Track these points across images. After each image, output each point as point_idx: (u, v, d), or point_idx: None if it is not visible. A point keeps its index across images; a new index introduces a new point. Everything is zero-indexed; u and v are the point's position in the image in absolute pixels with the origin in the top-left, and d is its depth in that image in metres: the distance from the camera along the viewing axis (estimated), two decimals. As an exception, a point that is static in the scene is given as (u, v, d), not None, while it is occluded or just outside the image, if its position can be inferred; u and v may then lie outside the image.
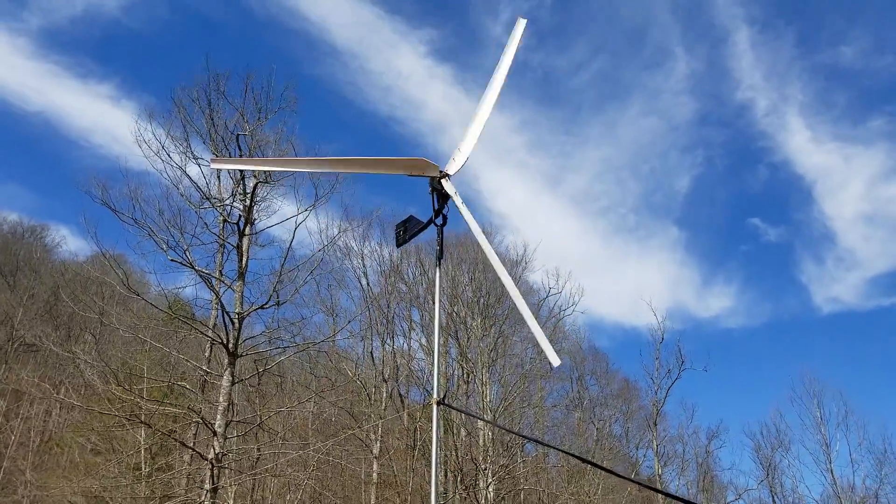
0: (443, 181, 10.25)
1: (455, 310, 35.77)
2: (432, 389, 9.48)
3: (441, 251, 10.42)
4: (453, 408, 24.89)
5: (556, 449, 35.84)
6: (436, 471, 9.17)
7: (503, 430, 31.32)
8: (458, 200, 10.26)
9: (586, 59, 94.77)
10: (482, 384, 34.71)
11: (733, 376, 76.92)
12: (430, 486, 9.63)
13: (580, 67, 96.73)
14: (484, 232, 10.58)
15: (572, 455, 35.18)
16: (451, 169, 10.51)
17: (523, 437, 37.41)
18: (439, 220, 10.27)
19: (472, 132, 11.06)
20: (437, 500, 9.13)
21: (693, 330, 75.79)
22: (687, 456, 54.49)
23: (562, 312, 43.02)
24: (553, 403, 43.53)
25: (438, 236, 10.27)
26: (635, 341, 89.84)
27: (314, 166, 10.40)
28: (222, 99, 22.19)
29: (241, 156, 22.24)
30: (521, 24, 12.17)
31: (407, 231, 10.73)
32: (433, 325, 34.81)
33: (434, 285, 10.20)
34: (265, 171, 21.93)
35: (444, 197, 10.23)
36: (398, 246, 11.49)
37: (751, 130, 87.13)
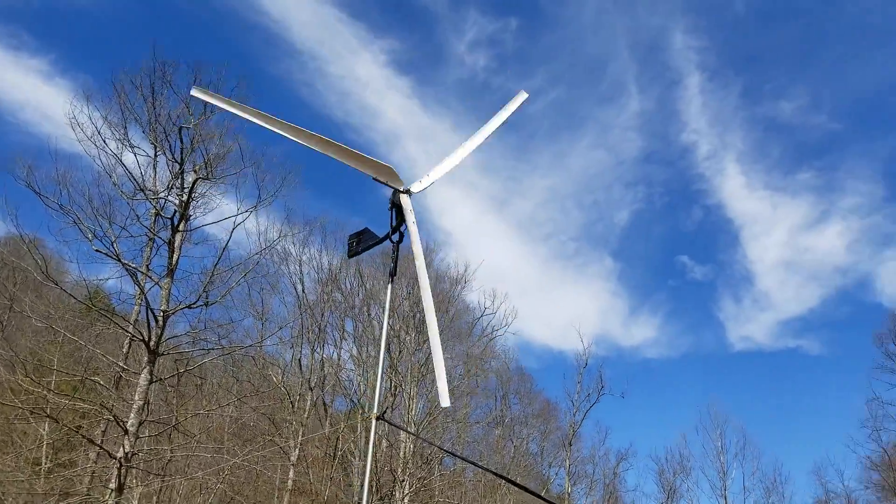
0: (402, 196, 10.31)
1: (390, 323, 35.55)
2: (373, 404, 9.52)
3: (395, 268, 10.46)
4: (392, 424, 24.80)
5: (475, 465, 36.16)
6: (368, 482, 9.13)
7: (437, 448, 31.35)
8: (410, 217, 10.35)
9: (545, 88, 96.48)
10: (409, 398, 34.65)
11: (647, 403, 79.78)
12: (363, 497, 9.65)
13: (538, 95, 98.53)
14: (427, 249, 10.63)
15: (489, 471, 35.57)
16: (414, 187, 10.61)
17: (453, 454, 37.57)
18: (396, 237, 10.30)
19: (447, 164, 11.23)
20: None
21: (617, 357, 78.20)
22: (596, 476, 56.26)
23: (494, 332, 43.51)
24: (476, 420, 43.85)
25: (393, 253, 10.30)
26: (561, 364, 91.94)
27: (292, 132, 10.19)
28: (168, 88, 21.50)
29: (182, 150, 21.60)
30: (522, 96, 12.50)
31: (360, 243, 10.69)
32: (369, 336, 34.24)
33: (385, 301, 10.21)
34: (208, 167, 21.36)
35: (401, 214, 10.28)
36: (350, 257, 11.50)
37: (691, 172, 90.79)
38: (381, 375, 9.93)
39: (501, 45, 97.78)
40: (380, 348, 10.30)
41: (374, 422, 9.82)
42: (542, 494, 47.57)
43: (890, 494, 43.97)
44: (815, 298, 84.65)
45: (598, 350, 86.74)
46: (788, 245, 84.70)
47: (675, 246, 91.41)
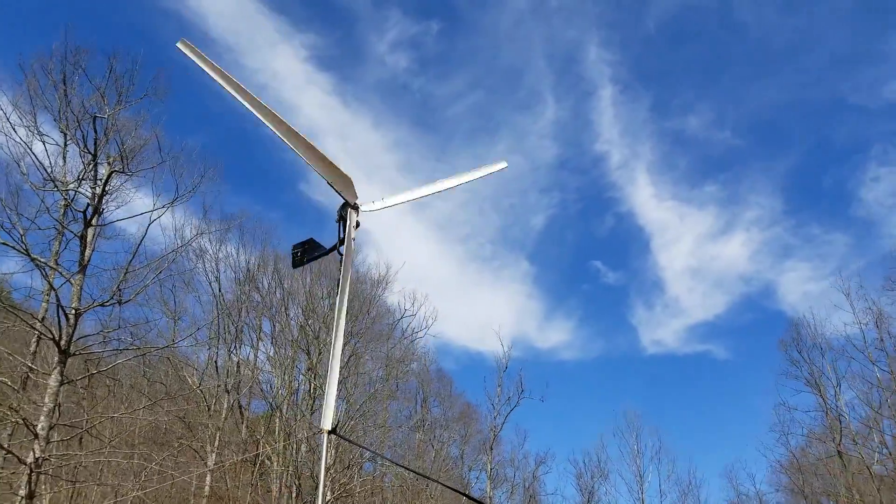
0: (350, 210, 10.41)
1: (309, 323, 35.24)
2: (328, 419, 9.42)
3: (344, 279, 10.40)
4: (345, 438, 24.56)
5: (406, 469, 36.25)
6: (322, 497, 9.10)
7: (389, 462, 31.20)
8: (352, 233, 10.43)
9: (464, 92, 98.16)
10: (325, 405, 34.34)
11: (564, 406, 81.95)
12: None
13: (457, 98, 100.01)
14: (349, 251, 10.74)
15: (418, 474, 35.71)
16: (365, 206, 10.71)
17: (389, 460, 37.45)
18: (343, 249, 10.37)
19: (404, 197, 11.44)
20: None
21: (533, 359, 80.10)
22: (516, 480, 57.00)
23: (414, 334, 43.79)
24: (398, 424, 43.92)
25: (341, 264, 10.30)
26: (480, 366, 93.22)
27: (266, 115, 10.10)
28: (80, 75, 20.72)
29: (95, 140, 20.83)
30: (502, 164, 12.95)
31: (305, 253, 10.71)
32: (287, 337, 33.68)
33: (335, 313, 10.17)
34: (124, 159, 20.70)
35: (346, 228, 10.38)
36: (294, 267, 11.41)
37: (603, 180, 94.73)
38: (332, 389, 9.71)
39: (422, 48, 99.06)
40: (332, 360, 10.22)
41: (325, 436, 9.74)
42: (464, 501, 48.10)
43: (798, 497, 46.15)
44: (722, 305, 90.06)
45: (515, 352, 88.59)
46: (695, 253, 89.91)
47: (589, 251, 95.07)
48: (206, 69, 10.05)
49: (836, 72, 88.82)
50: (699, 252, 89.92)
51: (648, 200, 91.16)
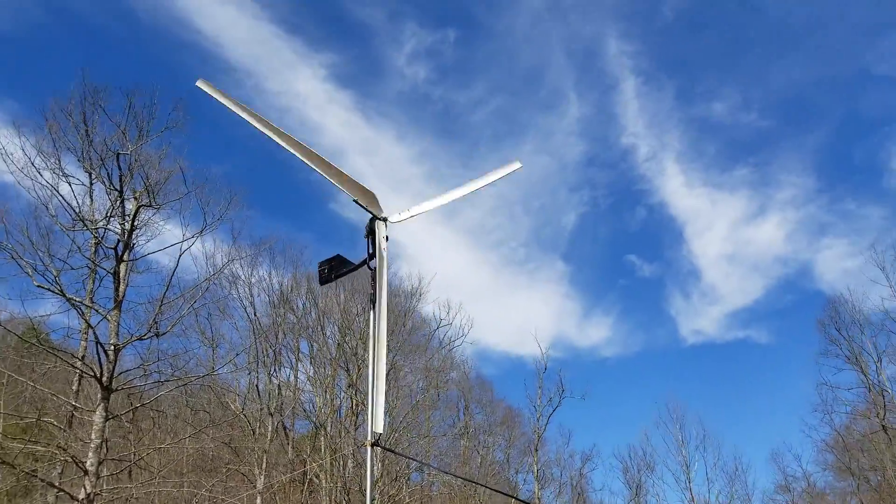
0: (378, 223, 10.38)
1: (346, 340, 35.31)
2: (378, 429, 9.34)
3: (375, 294, 10.24)
4: (389, 450, 24.56)
5: (453, 475, 36.15)
6: None
7: (436, 470, 31.13)
8: (383, 244, 10.38)
9: (485, 97, 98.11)
10: (368, 418, 34.35)
11: (607, 402, 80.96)
12: None
13: (479, 104, 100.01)
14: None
15: (465, 479, 35.54)
16: (392, 217, 10.67)
17: (435, 468, 37.40)
18: (374, 264, 10.30)
19: (432, 204, 11.39)
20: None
21: (573, 359, 79.24)
22: (563, 479, 56.48)
23: (452, 343, 43.65)
24: (442, 432, 43.79)
25: (373, 280, 10.23)
26: (520, 370, 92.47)
27: (285, 140, 10.24)
28: (100, 114, 21.05)
29: (120, 177, 21.09)
30: (516, 165, 12.85)
31: (332, 269, 10.66)
32: (325, 356, 33.90)
33: (370, 328, 10.12)
34: (150, 193, 20.94)
35: (375, 242, 10.34)
36: (322, 284, 11.38)
37: (632, 173, 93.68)
38: (372, 402, 9.64)
39: (440, 57, 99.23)
40: (371, 372, 10.11)
41: (369, 449, 9.66)
42: (513, 502, 47.82)
43: (846, 474, 45.53)
44: (760, 289, 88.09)
45: (555, 353, 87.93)
46: (730, 239, 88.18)
47: (623, 246, 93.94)
48: (227, 103, 10.16)
49: (859, 43, 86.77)
50: (734, 237, 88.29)
51: (679, 189, 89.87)
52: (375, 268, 10.26)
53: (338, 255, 10.90)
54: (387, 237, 10.57)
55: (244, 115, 10.16)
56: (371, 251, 10.41)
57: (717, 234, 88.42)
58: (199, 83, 10.19)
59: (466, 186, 12.19)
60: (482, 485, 34.36)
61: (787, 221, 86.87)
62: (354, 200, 10.45)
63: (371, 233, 10.46)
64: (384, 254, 10.41)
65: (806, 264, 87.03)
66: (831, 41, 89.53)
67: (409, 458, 33.02)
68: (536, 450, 53.86)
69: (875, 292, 60.07)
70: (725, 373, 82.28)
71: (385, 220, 10.56)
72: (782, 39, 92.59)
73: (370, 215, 10.55)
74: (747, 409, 78.56)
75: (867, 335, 42.67)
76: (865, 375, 42.15)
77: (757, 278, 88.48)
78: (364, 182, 10.71)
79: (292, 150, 10.28)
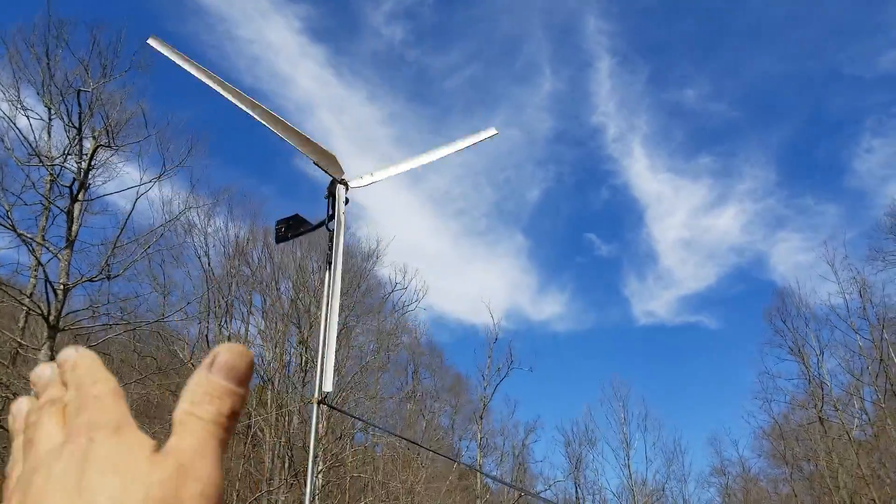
0: (339, 186, 10.35)
1: (300, 297, 35.36)
2: (314, 388, 9.50)
3: (331, 255, 10.37)
4: (335, 408, 24.74)
5: (398, 436, 36.78)
6: (312, 468, 9.21)
7: (383, 431, 31.49)
8: (341, 209, 10.36)
9: (461, 64, 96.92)
10: (316, 375, 34.68)
11: (555, 376, 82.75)
12: (307, 483, 9.73)
13: (454, 71, 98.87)
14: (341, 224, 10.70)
15: (410, 441, 36.24)
16: (353, 182, 10.62)
17: (380, 427, 37.95)
18: (332, 226, 10.31)
19: (394, 170, 11.32)
20: (311, 495, 9.20)
21: (525, 331, 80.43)
22: (505, 448, 57.80)
23: (405, 307, 44.02)
24: (390, 395, 44.38)
25: (330, 241, 10.28)
26: (473, 338, 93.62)
27: (242, 101, 10.07)
28: (63, 48, 20.51)
29: (80, 114, 20.65)
30: (492, 132, 12.64)
31: (290, 228, 10.65)
32: (277, 311, 33.80)
33: (325, 288, 10.20)
34: (109, 133, 20.54)
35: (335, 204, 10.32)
36: (278, 243, 11.36)
37: (599, 153, 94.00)
38: (322, 360, 9.81)
39: (419, 19, 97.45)
40: (322, 331, 10.24)
41: (315, 406, 9.84)
42: (455, 467, 48.98)
43: (780, 462, 47.29)
44: (713, 276, 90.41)
45: (509, 324, 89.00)
46: (688, 225, 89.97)
47: (583, 224, 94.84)
48: (180, 62, 9.96)
49: (833, 42, 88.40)
50: (692, 224, 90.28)
51: (643, 172, 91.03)
52: (333, 230, 10.32)
53: (296, 214, 10.88)
54: (347, 200, 10.60)
55: (196, 73, 10.00)
56: (330, 212, 10.44)
57: (677, 220, 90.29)
58: (150, 41, 10.00)
59: (438, 151, 12.23)
60: (426, 448, 35.17)
61: (745, 212, 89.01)
62: (314, 162, 10.42)
63: (332, 194, 10.52)
64: (342, 217, 10.46)
65: (760, 255, 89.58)
66: (807, 38, 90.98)
67: (355, 417, 33.48)
68: (481, 418, 54.91)
69: (824, 288, 62.28)
70: (673, 356, 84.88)
71: (346, 183, 10.61)
72: (760, 33, 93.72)
73: (331, 177, 10.57)
74: (690, 392, 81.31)
75: (811, 328, 44.14)
76: (807, 367, 43.53)
77: (711, 266, 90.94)
78: (331, 140, 10.84)
79: (249, 111, 10.15)
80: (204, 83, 9.99)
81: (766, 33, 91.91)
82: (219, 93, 10.00)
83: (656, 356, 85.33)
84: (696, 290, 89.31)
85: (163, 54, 10.01)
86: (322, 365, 9.96)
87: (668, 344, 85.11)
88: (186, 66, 9.93)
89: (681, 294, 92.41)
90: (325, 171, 10.53)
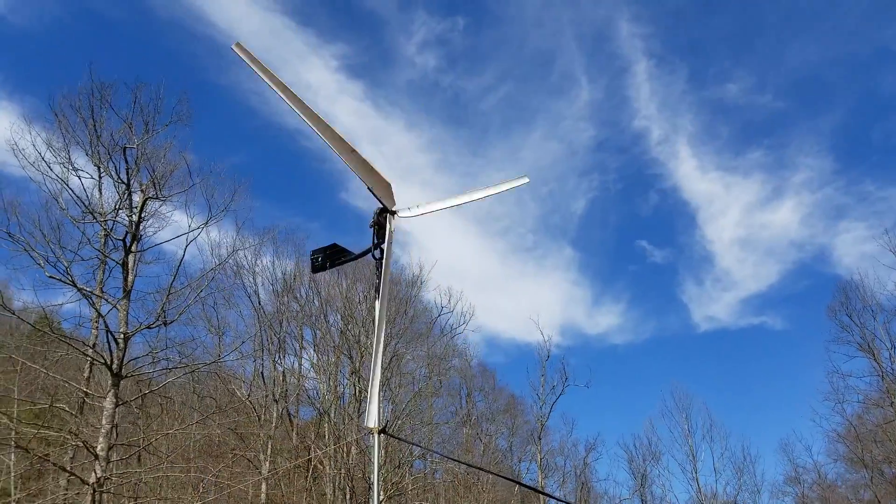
0: (389, 216, 10.51)
1: (349, 328, 35.86)
2: (374, 419, 9.47)
3: (380, 284, 10.15)
4: (393, 436, 24.99)
5: (457, 461, 36.65)
6: (377, 496, 9.31)
7: (443, 457, 31.59)
8: (389, 238, 10.48)
9: (494, 84, 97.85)
10: (370, 405, 34.92)
11: (613, 390, 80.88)
12: None
13: (488, 91, 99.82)
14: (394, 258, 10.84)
15: (470, 465, 36.03)
16: (402, 212, 10.57)
17: (440, 454, 37.99)
18: (378, 254, 10.22)
19: (442, 205, 11.50)
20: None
21: (582, 346, 79.13)
22: (567, 468, 56.50)
23: (453, 331, 44.09)
24: (445, 420, 44.30)
25: (378, 269, 10.17)
26: (528, 357, 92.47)
27: (312, 119, 10.25)
28: (107, 109, 21.54)
29: (127, 170, 21.58)
30: (524, 180, 12.81)
31: (327, 258, 10.80)
32: (328, 343, 34.30)
33: (375, 315, 10.31)
34: (156, 186, 21.42)
35: (382, 233, 10.46)
36: (314, 272, 11.41)
37: (644, 157, 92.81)
38: (377, 389, 9.73)
39: (450, 45, 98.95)
40: (374, 362, 10.27)
41: (375, 436, 9.82)
42: (516, 490, 48.29)
43: (858, 465, 44.66)
44: (774, 274, 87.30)
45: (565, 340, 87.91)
46: (742, 223, 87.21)
47: (634, 231, 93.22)
48: (257, 70, 10.03)
49: (876, 20, 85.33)
50: (748, 221, 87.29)
51: (692, 173, 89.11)
52: (379, 258, 10.19)
53: (334, 243, 10.98)
54: (392, 230, 10.74)
55: (272, 85, 10.06)
56: (375, 241, 10.39)
57: (731, 219, 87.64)
58: (234, 47, 10.04)
59: (473, 194, 12.31)
60: (487, 470, 34.91)
61: (803, 205, 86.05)
62: (369, 188, 10.50)
63: (377, 224, 10.64)
64: (390, 248, 10.50)
65: (823, 248, 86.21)
66: (847, 20, 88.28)
67: (414, 444, 33.50)
68: (540, 438, 53.89)
69: (892, 278, 59.64)
70: (737, 361, 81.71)
71: (395, 213, 10.56)
72: (797, 19, 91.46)
73: (379, 206, 10.69)
74: (756, 397, 78.25)
75: (879, 321, 41.83)
76: (878, 363, 41.25)
77: (772, 263, 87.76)
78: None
79: (316, 129, 10.14)
80: (280, 97, 10.11)
81: (803, 19, 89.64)
82: (295, 112, 10.13)
83: (719, 362, 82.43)
84: (757, 290, 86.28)
85: (247, 64, 10.11)
86: (374, 394, 10.01)
87: (732, 349, 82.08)
88: (263, 76, 10.04)
89: (742, 296, 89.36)
90: (379, 200, 10.61)
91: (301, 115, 10.17)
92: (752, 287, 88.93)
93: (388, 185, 10.47)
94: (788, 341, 79.90)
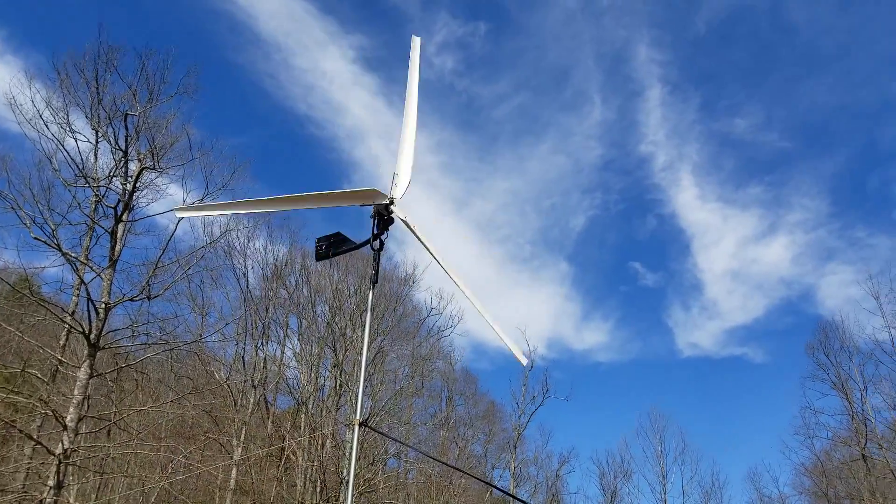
0: (393, 207, 10.34)
1: (336, 320, 35.37)
2: (356, 411, 9.42)
3: (376, 275, 10.28)
4: (376, 430, 24.61)
5: (436, 460, 36.33)
6: (352, 490, 8.98)
7: (424, 455, 31.22)
8: (411, 223, 10.33)
9: (509, 93, 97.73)
10: (354, 397, 34.51)
11: (592, 407, 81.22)
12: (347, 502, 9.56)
13: (502, 99, 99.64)
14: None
15: (448, 465, 35.69)
16: (396, 193, 10.52)
17: (420, 450, 37.57)
18: (377, 245, 10.22)
19: (405, 158, 11.26)
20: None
21: (567, 360, 79.47)
22: (539, 479, 56.65)
23: (441, 333, 43.73)
24: (423, 421, 43.95)
25: (375, 261, 10.15)
26: (514, 366, 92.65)
27: (272, 205, 10.32)
28: (112, 73, 20.99)
29: (126, 137, 21.06)
30: (416, 42, 12.54)
31: (331, 246, 10.59)
32: (313, 334, 33.86)
33: (366, 308, 10.22)
34: (154, 156, 20.92)
35: (384, 223, 10.29)
36: (318, 260, 11.28)
37: (647, 182, 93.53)
38: (362, 382, 9.70)
39: (469, 49, 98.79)
40: (362, 354, 10.15)
41: (356, 428, 9.66)
42: (487, 497, 48.09)
43: (822, 500, 45.49)
44: (761, 308, 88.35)
45: (550, 353, 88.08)
46: (736, 256, 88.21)
47: (629, 252, 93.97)
48: (209, 213, 10.34)
49: (886, 73, 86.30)
50: (741, 254, 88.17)
51: (692, 202, 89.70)
52: (377, 248, 10.25)
53: (338, 232, 10.79)
54: (392, 220, 10.53)
55: (232, 211, 10.23)
56: (375, 232, 10.37)
57: (725, 250, 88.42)
58: (176, 212, 10.34)
59: (409, 103, 12.10)
60: (465, 472, 34.56)
61: (796, 244, 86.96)
62: (361, 206, 10.42)
63: (377, 214, 10.42)
64: (418, 230, 10.52)
65: (809, 288, 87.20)
66: (859, 67, 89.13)
67: (395, 439, 33.00)
68: (515, 447, 54.00)
69: (871, 322, 60.54)
70: (715, 388, 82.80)
71: (392, 200, 10.50)
72: (811, 62, 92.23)
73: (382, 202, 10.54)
74: (730, 425, 79.08)
75: (855, 363, 42.78)
76: (850, 403, 42.25)
77: (759, 297, 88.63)
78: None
79: (291, 207, 10.35)
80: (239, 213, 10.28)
81: (817, 63, 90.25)
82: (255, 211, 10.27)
83: (698, 388, 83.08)
84: (742, 322, 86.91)
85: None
86: (362, 388, 9.81)
87: (712, 376, 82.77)
88: (217, 212, 10.29)
89: (726, 326, 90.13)
90: (374, 205, 10.54)
91: (264, 209, 10.47)
92: (737, 318, 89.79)
93: (374, 191, 10.40)
94: (767, 374, 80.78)
